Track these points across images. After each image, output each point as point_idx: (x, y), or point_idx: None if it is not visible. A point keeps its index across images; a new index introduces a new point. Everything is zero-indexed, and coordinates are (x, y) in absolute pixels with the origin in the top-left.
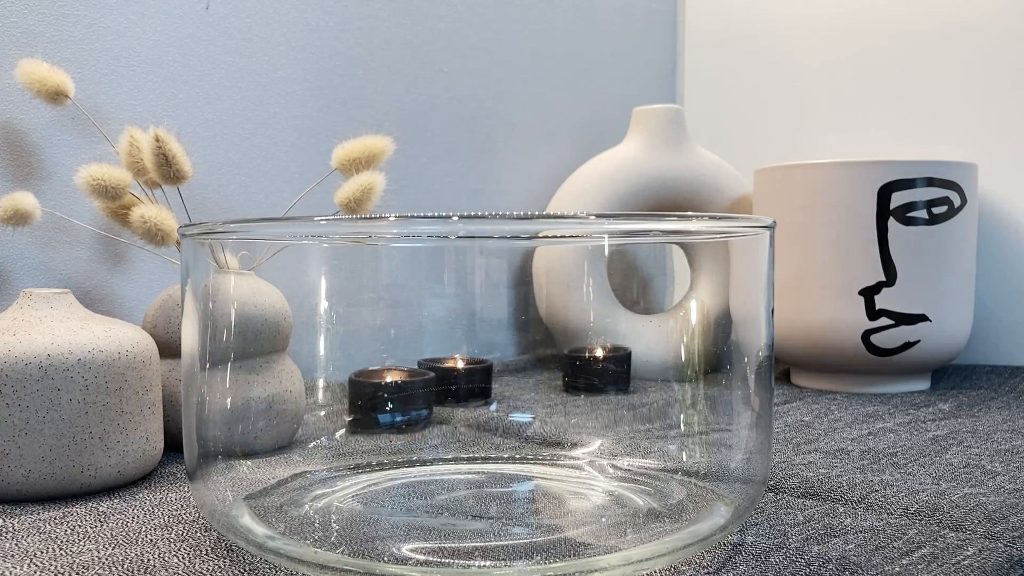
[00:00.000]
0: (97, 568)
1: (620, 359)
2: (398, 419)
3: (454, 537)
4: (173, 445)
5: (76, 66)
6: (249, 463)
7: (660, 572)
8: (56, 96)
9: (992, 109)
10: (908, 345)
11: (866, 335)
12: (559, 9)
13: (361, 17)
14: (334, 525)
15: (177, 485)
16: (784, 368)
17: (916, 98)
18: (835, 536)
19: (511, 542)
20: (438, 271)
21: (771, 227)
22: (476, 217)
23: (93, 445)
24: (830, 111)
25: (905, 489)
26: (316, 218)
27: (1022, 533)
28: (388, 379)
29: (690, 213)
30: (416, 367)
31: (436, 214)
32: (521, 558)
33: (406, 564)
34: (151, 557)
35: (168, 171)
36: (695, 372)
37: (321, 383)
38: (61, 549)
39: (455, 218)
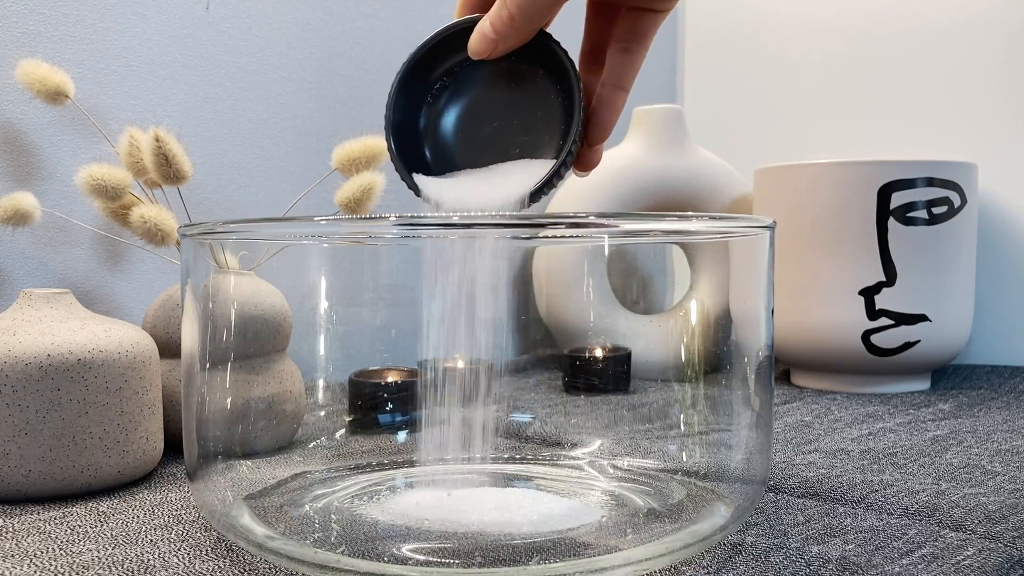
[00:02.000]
0: (97, 568)
1: (620, 359)
2: (398, 419)
3: (454, 537)
4: (173, 445)
5: (76, 66)
6: (249, 463)
7: (660, 572)
8: (56, 96)
9: (992, 109)
10: (908, 345)
11: (866, 335)
12: None
13: (361, 17)
14: (334, 525)
15: (177, 485)
16: (784, 368)
17: (916, 98)
18: (835, 536)
19: (511, 542)
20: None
21: (771, 227)
22: (476, 217)
23: (93, 445)
24: (830, 111)
25: (905, 489)
26: (316, 218)
27: (1022, 533)
28: (388, 379)
29: (690, 213)
30: (416, 367)
31: (436, 214)
32: (521, 558)
33: (406, 564)
34: (151, 557)
35: (168, 171)
36: (695, 372)
37: (321, 383)
38: (61, 549)
39: (455, 218)
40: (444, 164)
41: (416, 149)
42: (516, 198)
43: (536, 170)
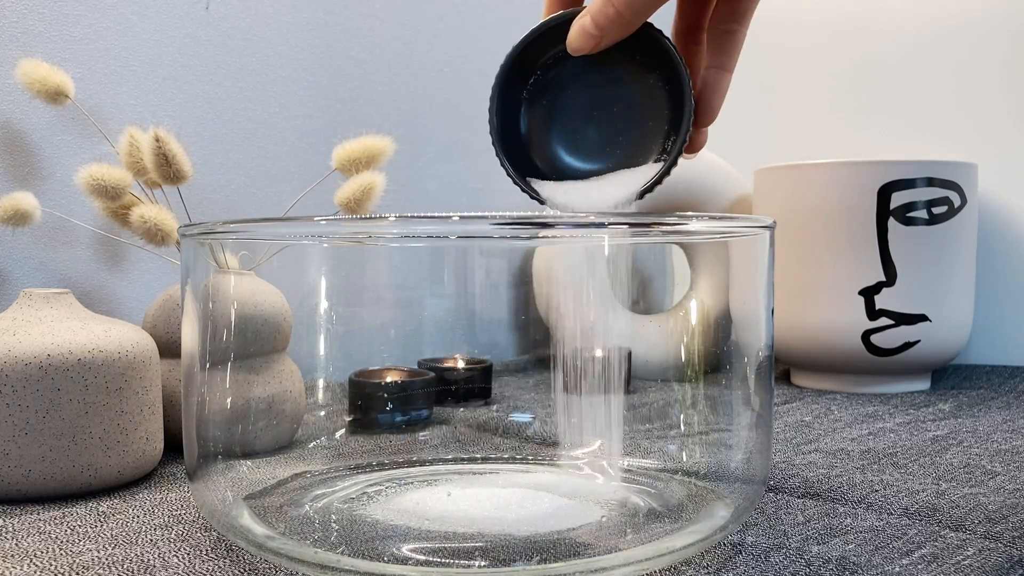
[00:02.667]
0: (97, 568)
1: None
2: (398, 419)
3: (454, 537)
4: (173, 445)
5: (76, 66)
6: (249, 463)
7: (660, 572)
8: (56, 96)
9: (992, 109)
10: (908, 345)
11: (866, 335)
12: None
13: (361, 17)
14: (334, 525)
15: (177, 485)
16: (784, 368)
17: (916, 98)
18: (835, 536)
19: (511, 542)
20: (438, 271)
21: (771, 227)
22: (476, 217)
23: (93, 445)
24: (830, 111)
25: (905, 489)
26: (316, 218)
27: (1022, 533)
28: (388, 379)
29: (690, 213)
30: (416, 367)
31: (436, 214)
32: (521, 558)
33: (406, 564)
34: (151, 557)
35: (168, 171)
36: (695, 372)
37: (321, 383)
38: (61, 549)
39: (455, 218)
40: (555, 165)
41: (522, 153)
42: (636, 192)
43: (650, 164)
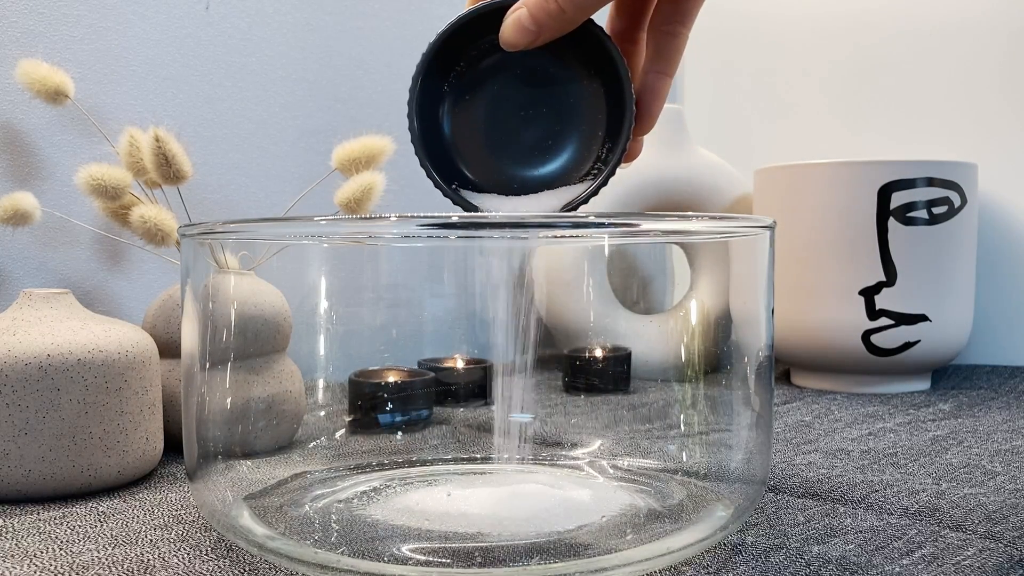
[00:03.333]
0: (97, 568)
1: (620, 359)
2: (398, 419)
3: (454, 537)
4: (173, 445)
5: (76, 66)
6: (249, 463)
7: (660, 572)
8: (56, 96)
9: (992, 109)
10: (908, 345)
11: (866, 335)
12: None
13: (361, 17)
14: (334, 525)
15: (177, 485)
16: (784, 368)
17: (916, 98)
18: (835, 536)
19: (511, 542)
20: (438, 271)
21: (771, 227)
22: (476, 217)
23: (93, 445)
24: (830, 111)
25: (905, 489)
26: (316, 218)
27: (1022, 533)
28: (388, 379)
29: (690, 213)
30: (416, 367)
31: (436, 214)
32: (521, 558)
33: (406, 564)
34: (151, 557)
35: (168, 171)
36: (695, 372)
37: (321, 383)
38: (61, 549)
39: (455, 218)
40: (482, 171)
41: (446, 156)
42: (570, 204)
43: (585, 173)
